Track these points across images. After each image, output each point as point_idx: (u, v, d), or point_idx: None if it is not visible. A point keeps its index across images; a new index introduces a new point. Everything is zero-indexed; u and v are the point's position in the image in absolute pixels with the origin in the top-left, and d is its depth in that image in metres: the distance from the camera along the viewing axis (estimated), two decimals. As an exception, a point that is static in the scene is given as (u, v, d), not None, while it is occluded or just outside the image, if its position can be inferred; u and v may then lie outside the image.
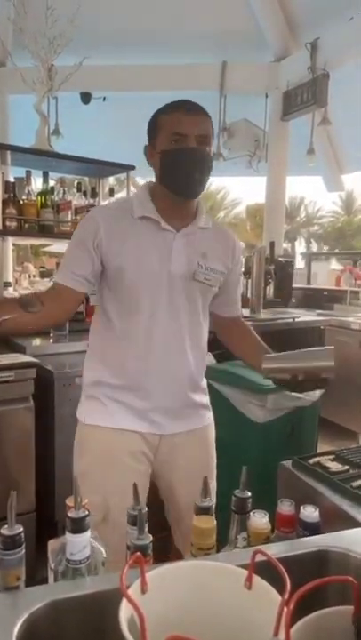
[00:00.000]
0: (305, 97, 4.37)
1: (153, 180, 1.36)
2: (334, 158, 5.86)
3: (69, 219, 2.60)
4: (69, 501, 0.74)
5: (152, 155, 1.30)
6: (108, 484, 1.27)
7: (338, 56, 4.06)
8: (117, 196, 3.29)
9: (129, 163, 2.80)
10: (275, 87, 4.73)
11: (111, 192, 2.91)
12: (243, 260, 1.50)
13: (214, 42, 4.61)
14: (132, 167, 2.81)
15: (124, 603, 0.51)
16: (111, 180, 3.30)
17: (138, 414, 1.32)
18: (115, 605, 0.52)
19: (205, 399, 1.45)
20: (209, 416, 1.45)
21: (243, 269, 1.54)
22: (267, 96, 4.86)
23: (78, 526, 0.70)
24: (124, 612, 0.51)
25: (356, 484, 0.96)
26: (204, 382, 1.45)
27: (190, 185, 1.27)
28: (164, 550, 1.39)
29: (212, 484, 1.39)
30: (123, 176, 2.99)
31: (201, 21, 4.39)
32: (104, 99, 4.95)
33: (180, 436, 1.37)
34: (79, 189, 2.77)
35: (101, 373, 1.35)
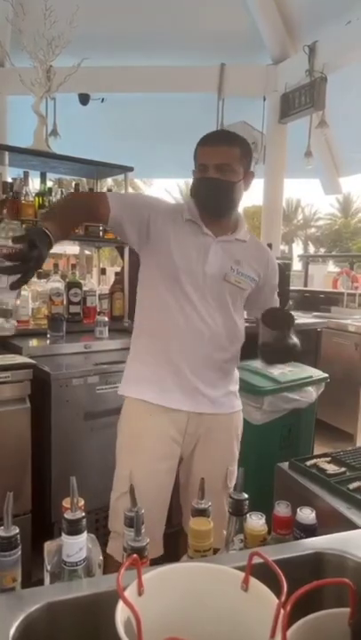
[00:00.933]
0: (303, 100, 4.38)
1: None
2: (332, 161, 5.87)
3: (67, 220, 2.60)
4: (66, 503, 0.74)
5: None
6: (138, 457, 1.50)
7: (336, 59, 4.07)
8: (115, 197, 3.28)
9: (127, 164, 2.80)
10: (273, 90, 4.75)
11: (109, 193, 2.90)
12: (277, 273, 1.66)
13: (213, 44, 4.62)
14: (131, 168, 2.81)
15: (121, 605, 0.51)
16: (109, 181, 3.31)
17: (164, 389, 1.47)
18: (111, 607, 0.52)
19: (236, 387, 1.60)
20: (238, 403, 1.60)
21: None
22: (265, 99, 4.88)
23: (74, 528, 0.70)
24: (121, 613, 0.51)
25: (352, 486, 0.96)
26: (236, 373, 1.62)
27: (209, 208, 1.47)
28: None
29: (233, 469, 1.54)
30: (121, 177, 2.99)
31: (199, 24, 4.39)
32: (102, 100, 4.96)
33: (208, 418, 1.50)
34: (77, 190, 2.77)
35: (134, 349, 1.54)
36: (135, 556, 0.58)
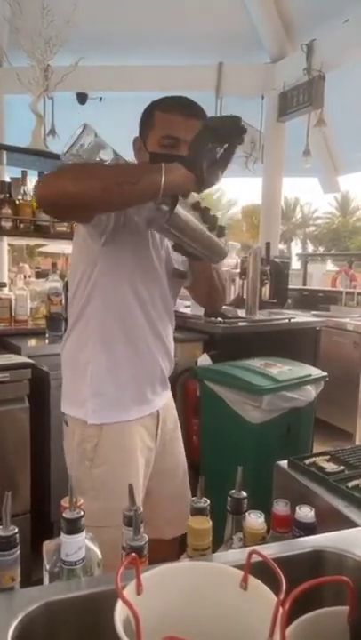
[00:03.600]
0: (301, 98, 4.38)
1: None
2: (330, 159, 5.87)
3: (65, 219, 2.60)
4: (65, 502, 0.74)
5: (140, 150, 1.23)
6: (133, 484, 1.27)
7: (334, 58, 4.07)
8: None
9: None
10: (271, 88, 4.74)
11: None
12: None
13: (210, 43, 4.61)
14: (129, 168, 2.81)
15: (120, 604, 0.51)
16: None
17: (143, 398, 1.33)
18: (110, 607, 0.52)
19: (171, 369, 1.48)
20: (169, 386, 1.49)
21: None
22: (263, 97, 4.87)
23: (73, 527, 0.70)
24: (120, 613, 0.51)
25: (351, 484, 0.96)
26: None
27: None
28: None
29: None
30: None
31: (197, 23, 4.39)
32: (100, 99, 4.95)
33: (163, 410, 1.42)
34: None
35: (108, 362, 1.28)
36: (134, 555, 0.58)
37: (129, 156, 1.27)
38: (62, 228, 2.59)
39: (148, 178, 0.99)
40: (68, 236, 2.66)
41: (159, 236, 1.30)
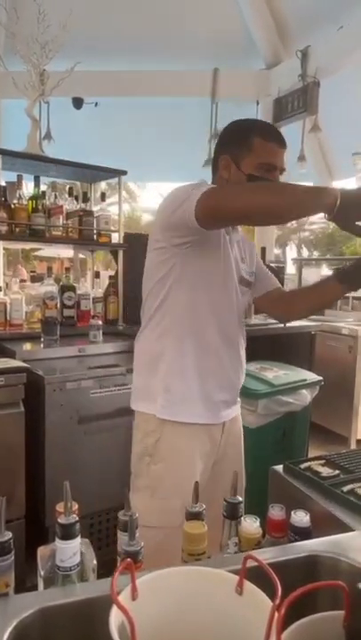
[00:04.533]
0: (296, 104, 4.40)
1: (208, 182, 1.36)
2: (325, 165, 5.90)
3: (61, 223, 2.60)
4: (59, 507, 0.74)
5: (231, 169, 1.31)
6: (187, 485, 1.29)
7: (328, 64, 4.10)
8: (109, 200, 3.29)
9: (121, 168, 2.80)
10: (266, 94, 4.77)
11: (103, 197, 2.91)
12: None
13: (206, 49, 4.64)
14: (124, 172, 2.81)
15: (115, 609, 0.50)
16: (103, 184, 3.30)
17: (211, 404, 1.37)
18: (105, 612, 0.51)
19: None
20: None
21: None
22: (258, 103, 4.90)
23: (68, 532, 0.70)
24: (115, 618, 0.50)
25: (346, 488, 0.96)
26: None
27: None
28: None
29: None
30: (114, 181, 2.99)
31: (193, 29, 4.41)
32: (96, 104, 4.96)
33: (231, 425, 1.46)
34: (70, 194, 2.77)
35: (179, 359, 1.33)
36: (129, 560, 0.58)
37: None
38: (58, 232, 2.59)
39: (322, 204, 1.08)
40: (63, 240, 2.66)
41: (228, 245, 1.37)
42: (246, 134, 1.31)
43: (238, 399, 1.52)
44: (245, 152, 1.29)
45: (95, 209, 2.80)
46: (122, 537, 0.77)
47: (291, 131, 4.81)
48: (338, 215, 1.07)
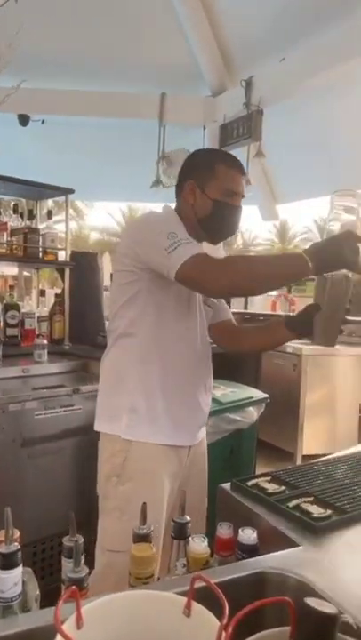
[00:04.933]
0: (241, 131, 4.55)
1: (165, 205, 1.47)
2: (269, 189, 6.11)
3: (5, 240, 2.54)
4: (0, 535, 0.70)
5: (196, 193, 1.39)
6: (156, 506, 1.30)
7: (271, 94, 4.28)
8: (56, 218, 3.25)
9: (68, 186, 2.78)
10: (212, 120, 4.91)
11: (49, 214, 2.87)
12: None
13: (153, 73, 4.73)
14: (72, 191, 2.80)
15: (59, 639, 0.48)
16: (50, 202, 3.27)
17: (178, 425, 1.38)
18: (48, 643, 0.49)
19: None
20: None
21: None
22: (204, 128, 5.03)
23: (9, 562, 0.67)
24: (59, 649, 0.48)
25: (292, 504, 0.98)
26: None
27: (225, 234, 1.46)
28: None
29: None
30: (62, 199, 2.97)
31: (141, 53, 4.49)
32: (42, 122, 4.92)
33: (197, 447, 1.48)
34: (15, 211, 2.72)
35: (145, 379, 1.35)
36: (74, 587, 0.56)
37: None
38: (2, 249, 2.53)
39: (299, 273, 1.18)
40: (7, 258, 2.60)
41: None
42: (211, 161, 1.40)
43: (205, 420, 1.53)
44: (210, 178, 1.38)
45: (41, 226, 2.77)
46: (66, 564, 0.74)
47: (237, 155, 4.96)
48: (320, 270, 1.18)
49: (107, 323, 3.08)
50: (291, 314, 1.46)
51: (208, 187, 1.38)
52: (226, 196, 1.38)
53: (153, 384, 1.35)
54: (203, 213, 1.39)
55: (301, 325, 1.37)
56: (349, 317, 1.35)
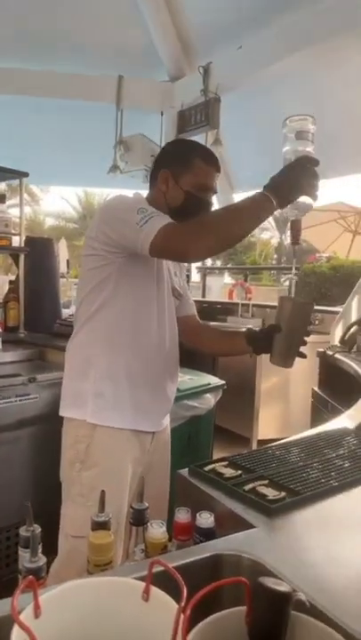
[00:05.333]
0: (198, 118, 4.54)
1: (132, 192, 1.49)
2: (226, 177, 6.14)
3: None
4: None
5: (169, 185, 1.40)
6: (120, 491, 1.33)
7: (228, 81, 4.28)
8: (9, 202, 3.16)
9: (22, 169, 2.70)
10: (170, 106, 4.86)
11: (2, 198, 2.78)
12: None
13: (111, 56, 4.63)
14: (26, 174, 2.72)
15: (16, 629, 0.48)
16: (3, 185, 3.16)
17: (143, 411, 1.40)
18: (6, 634, 0.49)
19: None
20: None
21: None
22: (162, 114, 4.98)
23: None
24: (16, 638, 0.48)
25: (247, 487, 1.00)
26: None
27: None
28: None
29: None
30: (15, 183, 2.88)
31: (98, 34, 4.39)
32: (-6, 102, 4.74)
33: (160, 434, 1.50)
34: (-34, 194, 2.61)
35: (112, 364, 1.36)
36: (31, 577, 0.55)
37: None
38: None
39: (264, 211, 1.21)
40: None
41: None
42: (189, 154, 1.40)
43: (169, 409, 1.56)
44: (185, 170, 1.39)
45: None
46: (23, 554, 0.73)
47: (194, 143, 4.95)
48: (283, 202, 1.20)
49: (64, 310, 3.03)
50: (253, 328, 1.52)
51: (183, 178, 1.39)
52: (199, 190, 1.39)
53: (119, 370, 1.36)
54: (174, 204, 1.40)
55: (261, 343, 1.42)
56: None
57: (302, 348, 1.40)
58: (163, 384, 1.46)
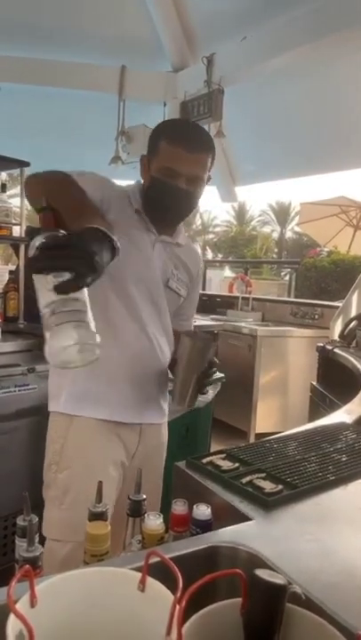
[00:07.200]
0: (201, 109, 4.51)
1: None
2: (228, 170, 6.11)
3: None
4: None
5: (143, 168, 1.33)
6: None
7: (232, 73, 4.25)
8: (10, 192, 3.14)
9: (24, 158, 2.68)
10: (173, 97, 4.83)
11: (3, 188, 2.77)
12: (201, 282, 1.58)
13: (115, 46, 4.59)
14: (27, 163, 2.70)
15: (12, 618, 0.48)
16: (4, 175, 3.14)
17: (122, 400, 1.32)
18: (2, 622, 0.49)
19: (167, 397, 1.48)
20: (166, 414, 1.49)
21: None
22: (165, 104, 4.95)
23: None
24: (12, 628, 0.48)
25: (245, 480, 1.00)
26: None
27: (166, 219, 1.35)
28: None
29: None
30: (16, 172, 2.86)
31: (102, 24, 4.35)
32: (-2, 89, 4.71)
33: (150, 431, 1.41)
34: (-34, 183, 2.60)
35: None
36: (28, 566, 0.55)
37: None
38: None
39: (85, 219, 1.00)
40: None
41: (150, 244, 1.34)
42: (156, 136, 1.31)
43: (165, 409, 1.46)
44: (153, 155, 1.30)
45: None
46: (20, 543, 0.74)
47: (197, 134, 4.92)
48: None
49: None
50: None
51: (152, 162, 1.30)
52: (165, 175, 1.26)
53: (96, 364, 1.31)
54: (145, 191, 1.34)
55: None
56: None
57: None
58: (147, 377, 1.37)
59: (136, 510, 0.90)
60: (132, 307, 1.32)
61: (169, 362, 1.42)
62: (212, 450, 2.07)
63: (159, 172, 1.27)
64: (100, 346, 1.25)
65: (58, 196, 1.09)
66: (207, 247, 30.45)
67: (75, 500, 1.23)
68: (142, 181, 1.35)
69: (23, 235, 2.72)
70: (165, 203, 1.30)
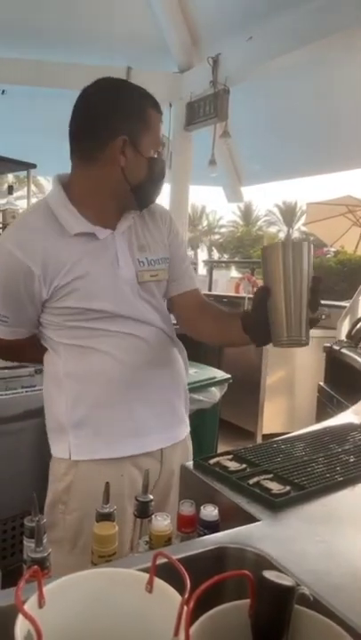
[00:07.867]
0: (207, 110, 4.51)
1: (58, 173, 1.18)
2: (234, 170, 6.11)
3: None
4: None
5: (127, 154, 1.06)
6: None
7: (237, 73, 4.25)
8: (17, 194, 3.16)
9: (30, 160, 2.70)
10: (178, 97, 4.84)
11: (10, 190, 2.78)
12: (179, 229, 1.30)
13: (120, 47, 4.60)
14: (33, 165, 2.72)
15: (20, 619, 0.48)
16: (10, 177, 3.16)
17: (135, 426, 1.17)
18: (10, 623, 0.49)
19: (187, 404, 1.35)
20: (188, 423, 1.35)
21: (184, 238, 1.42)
22: (170, 105, 4.96)
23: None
24: (21, 628, 0.48)
25: (252, 481, 1.00)
26: (186, 391, 1.36)
27: (152, 200, 1.16)
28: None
29: None
30: (23, 174, 2.88)
31: (108, 23, 4.36)
32: (3, 92, 4.73)
33: (171, 449, 1.25)
34: (-26, 185, 2.62)
35: (85, 372, 1.13)
36: (36, 567, 0.55)
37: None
38: None
39: None
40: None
41: (113, 242, 1.13)
42: (140, 104, 1.07)
43: (186, 419, 1.33)
44: (144, 129, 1.06)
45: (1, 202, 2.68)
46: (28, 544, 0.74)
47: (202, 135, 4.93)
48: None
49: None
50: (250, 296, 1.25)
51: (142, 141, 1.06)
52: (155, 151, 1.09)
53: (91, 376, 1.14)
54: (138, 179, 1.08)
55: (259, 328, 1.04)
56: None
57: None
58: (155, 390, 1.21)
59: (143, 511, 0.90)
60: (117, 319, 1.14)
61: (233, 316, 1.18)
62: (219, 451, 2.07)
63: (153, 149, 1.08)
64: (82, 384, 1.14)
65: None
66: (213, 247, 30.44)
67: (88, 545, 1.01)
68: (123, 169, 1.07)
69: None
70: (161, 182, 1.13)
